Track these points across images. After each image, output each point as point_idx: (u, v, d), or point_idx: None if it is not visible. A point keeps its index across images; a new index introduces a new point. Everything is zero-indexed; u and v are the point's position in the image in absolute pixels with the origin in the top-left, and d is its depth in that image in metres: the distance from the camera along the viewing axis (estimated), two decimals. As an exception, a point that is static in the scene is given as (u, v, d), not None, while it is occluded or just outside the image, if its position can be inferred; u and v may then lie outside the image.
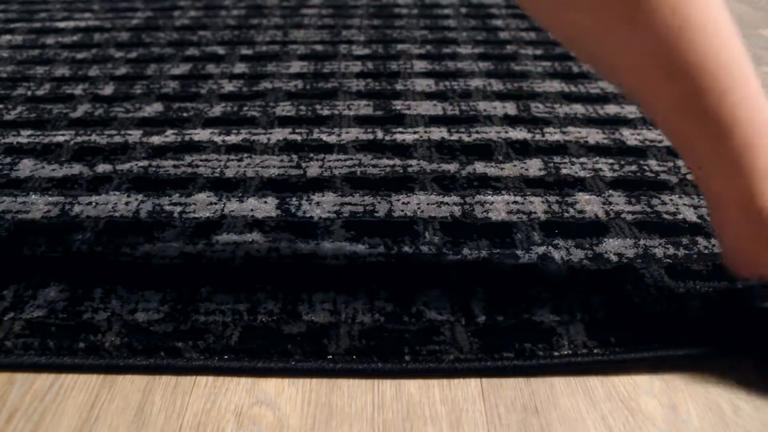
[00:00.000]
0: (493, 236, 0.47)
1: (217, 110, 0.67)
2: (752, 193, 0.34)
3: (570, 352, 0.37)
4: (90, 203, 0.51)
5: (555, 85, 0.73)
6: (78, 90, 0.72)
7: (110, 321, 0.39)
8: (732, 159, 0.33)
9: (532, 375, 0.37)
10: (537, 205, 0.51)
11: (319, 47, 0.84)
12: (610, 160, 0.57)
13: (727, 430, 0.34)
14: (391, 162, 0.57)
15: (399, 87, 0.72)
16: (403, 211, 0.50)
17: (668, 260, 0.45)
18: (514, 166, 0.56)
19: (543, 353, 0.37)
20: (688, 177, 0.55)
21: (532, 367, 0.37)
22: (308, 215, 0.50)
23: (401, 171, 0.55)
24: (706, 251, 0.46)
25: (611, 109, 0.67)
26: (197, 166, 0.56)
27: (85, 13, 1.00)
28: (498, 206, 0.50)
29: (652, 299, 0.41)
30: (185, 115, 0.66)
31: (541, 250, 0.46)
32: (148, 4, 1.04)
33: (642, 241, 0.46)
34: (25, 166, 0.57)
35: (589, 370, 0.37)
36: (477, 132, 0.62)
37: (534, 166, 0.56)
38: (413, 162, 0.57)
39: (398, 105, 0.68)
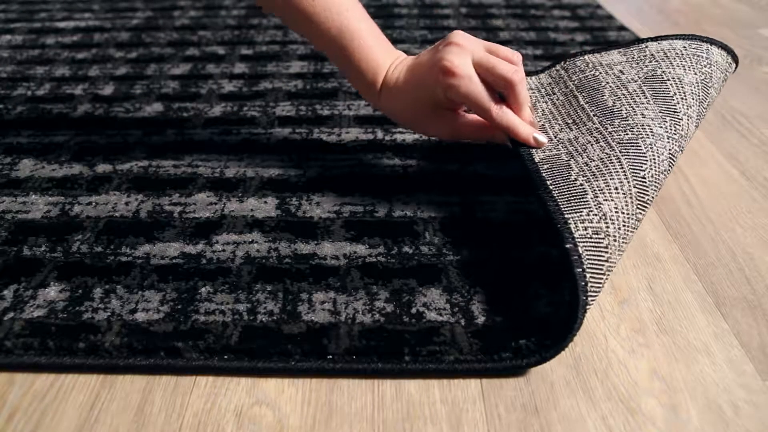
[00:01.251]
0: (493, 236, 0.47)
1: (217, 110, 0.67)
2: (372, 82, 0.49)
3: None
4: (90, 203, 0.51)
5: (555, 85, 0.73)
6: (78, 90, 0.72)
7: (110, 321, 0.39)
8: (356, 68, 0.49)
9: (530, 368, 0.37)
10: (537, 204, 0.51)
11: (319, 47, 0.84)
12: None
13: (727, 430, 0.34)
14: (391, 162, 0.57)
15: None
16: (403, 211, 0.50)
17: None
18: (514, 166, 0.56)
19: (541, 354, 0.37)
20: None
21: (530, 365, 0.37)
22: (308, 215, 0.50)
23: (401, 171, 0.55)
24: (705, 251, 0.46)
25: (611, 109, 0.67)
26: (197, 166, 0.56)
27: (85, 13, 1.00)
28: (498, 206, 0.50)
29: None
30: (185, 115, 0.66)
31: (541, 249, 0.46)
32: (148, 4, 1.04)
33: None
34: (25, 166, 0.57)
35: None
36: (477, 132, 0.62)
37: (534, 166, 0.56)
38: (413, 162, 0.57)
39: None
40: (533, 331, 0.38)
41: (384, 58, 0.49)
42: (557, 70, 0.54)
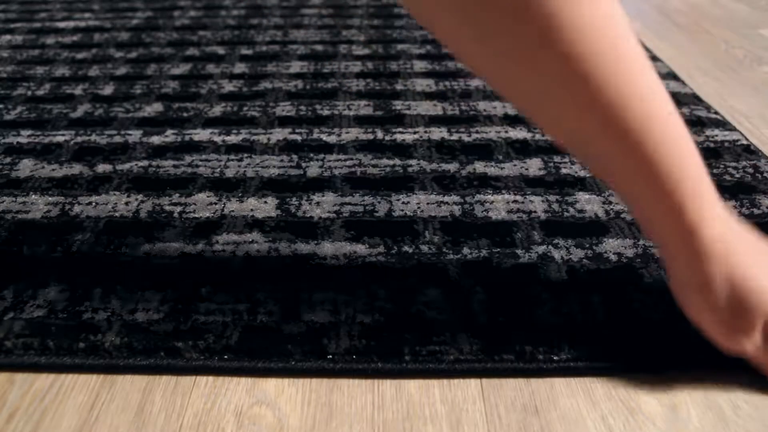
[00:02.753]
0: (493, 235, 0.47)
1: (217, 110, 0.67)
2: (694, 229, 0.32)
3: (570, 356, 0.37)
4: (90, 203, 0.51)
5: (555, 85, 0.73)
6: (78, 90, 0.72)
7: (110, 321, 0.39)
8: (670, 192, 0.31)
9: (532, 376, 0.37)
10: (537, 204, 0.51)
11: (319, 47, 0.84)
12: (610, 160, 0.57)
13: (727, 430, 0.34)
14: (391, 162, 0.57)
15: (399, 87, 0.72)
16: (403, 210, 0.50)
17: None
18: (514, 165, 0.56)
19: (543, 357, 0.37)
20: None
21: (531, 369, 0.37)
22: (308, 215, 0.50)
23: (401, 171, 0.55)
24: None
25: (611, 109, 0.67)
26: (197, 166, 0.56)
27: (85, 13, 1.00)
28: (498, 205, 0.50)
29: (652, 301, 0.41)
30: (185, 115, 0.66)
31: (541, 249, 0.46)
32: (148, 4, 1.04)
33: (641, 241, 0.46)
34: (25, 166, 0.57)
35: (588, 374, 0.37)
36: (477, 132, 0.62)
37: (534, 166, 0.56)
38: (413, 162, 0.57)
39: (398, 105, 0.68)
40: (540, 337, 0.38)
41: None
42: None
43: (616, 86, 0.28)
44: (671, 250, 0.34)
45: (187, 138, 0.61)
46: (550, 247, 0.46)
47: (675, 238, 0.33)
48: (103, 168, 0.56)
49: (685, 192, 0.31)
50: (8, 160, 0.58)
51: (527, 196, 0.52)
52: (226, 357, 0.37)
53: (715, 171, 0.56)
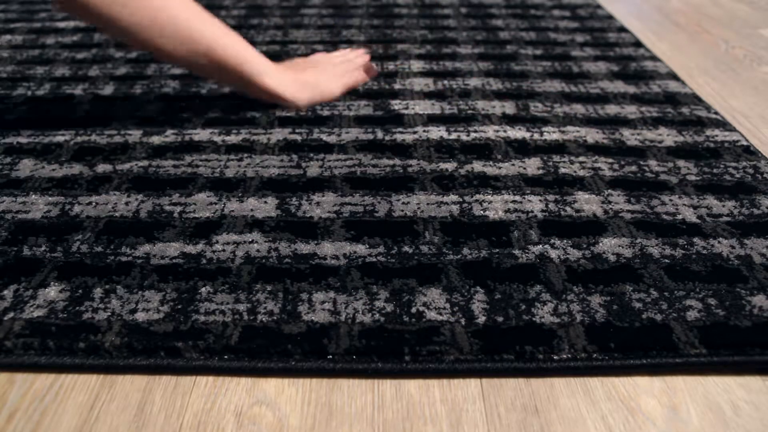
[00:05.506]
0: (490, 235, 0.47)
1: (217, 110, 0.67)
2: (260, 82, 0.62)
3: (570, 356, 0.37)
4: (90, 203, 0.51)
5: (555, 85, 0.73)
6: (78, 90, 0.72)
7: (110, 321, 0.39)
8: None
9: (532, 376, 0.37)
10: (535, 203, 0.51)
11: (319, 47, 0.84)
12: (610, 160, 0.57)
13: (727, 430, 0.34)
14: (390, 162, 0.57)
15: (398, 87, 0.72)
16: (402, 210, 0.50)
17: (666, 260, 0.45)
18: (513, 165, 0.56)
19: (543, 356, 0.37)
20: (688, 177, 0.55)
21: (531, 369, 0.37)
22: (308, 215, 0.50)
23: (401, 171, 0.55)
24: (704, 252, 0.46)
25: (611, 109, 0.67)
26: (197, 166, 0.56)
27: (84, 13, 1.00)
28: (496, 205, 0.50)
29: (651, 301, 0.41)
30: (185, 115, 0.66)
31: (539, 249, 0.46)
32: (147, 4, 1.04)
33: (639, 240, 0.47)
34: (25, 166, 0.57)
35: (588, 374, 0.37)
36: (476, 131, 0.62)
37: (533, 166, 0.56)
38: (413, 162, 0.57)
39: (397, 105, 0.68)
40: (540, 337, 0.38)
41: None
42: None
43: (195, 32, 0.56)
44: (254, 92, 0.64)
45: (187, 138, 0.61)
46: (547, 246, 0.46)
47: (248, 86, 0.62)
48: (103, 168, 0.56)
49: (252, 68, 0.60)
50: (8, 160, 0.58)
51: (526, 196, 0.52)
52: (226, 357, 0.37)
53: (715, 171, 0.56)
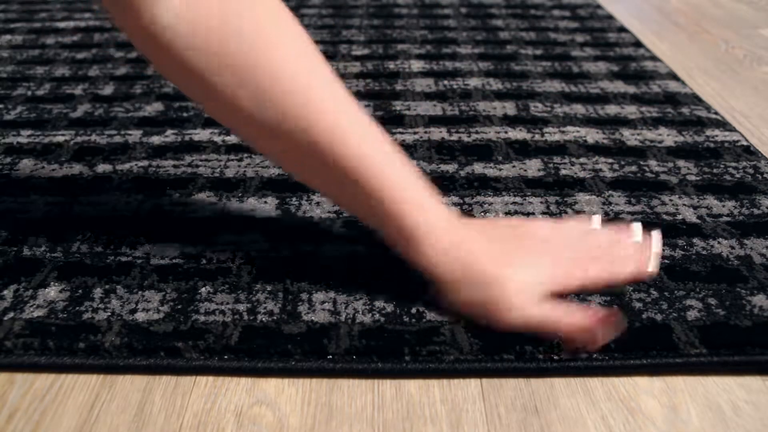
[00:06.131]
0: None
1: (217, 110, 0.67)
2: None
3: (570, 356, 0.37)
4: (90, 203, 0.51)
5: (555, 85, 0.73)
6: (78, 90, 0.72)
7: (110, 321, 0.39)
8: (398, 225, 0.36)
9: (532, 376, 0.37)
10: (536, 205, 0.51)
11: (319, 47, 0.84)
12: (610, 160, 0.57)
13: (727, 430, 0.34)
14: (391, 162, 0.57)
15: (399, 87, 0.72)
16: (403, 211, 0.50)
17: (666, 261, 0.45)
18: (513, 166, 0.56)
19: (543, 356, 0.37)
20: (688, 177, 0.55)
21: (531, 369, 0.37)
22: (308, 215, 0.50)
23: (401, 171, 0.55)
24: (704, 252, 0.46)
25: (611, 109, 0.67)
26: (197, 166, 0.56)
27: (85, 13, 1.00)
28: (496, 206, 0.50)
29: (651, 301, 0.41)
30: (185, 115, 0.66)
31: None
32: (148, 4, 1.04)
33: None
34: (25, 166, 0.57)
35: (587, 374, 0.37)
36: (476, 132, 0.62)
37: (533, 167, 0.56)
38: (413, 162, 0.57)
39: (398, 105, 0.68)
40: (541, 338, 0.38)
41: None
42: None
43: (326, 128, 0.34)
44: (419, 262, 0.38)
45: (187, 138, 0.61)
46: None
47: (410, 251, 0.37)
48: (103, 168, 0.56)
49: (405, 210, 0.36)
50: (8, 160, 0.58)
51: (527, 198, 0.52)
52: (226, 357, 0.37)
53: (715, 171, 0.56)
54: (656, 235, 0.41)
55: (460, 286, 0.37)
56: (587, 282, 0.38)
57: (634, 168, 0.56)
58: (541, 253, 0.38)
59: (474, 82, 0.73)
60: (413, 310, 0.40)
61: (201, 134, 0.62)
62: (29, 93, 0.72)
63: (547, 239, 0.39)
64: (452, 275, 0.37)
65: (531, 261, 0.38)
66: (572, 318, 0.36)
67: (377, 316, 0.40)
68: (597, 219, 0.42)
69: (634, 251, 0.41)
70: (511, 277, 0.36)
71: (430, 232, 0.36)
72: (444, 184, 0.53)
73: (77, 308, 0.40)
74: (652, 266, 0.40)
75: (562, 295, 0.39)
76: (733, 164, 0.57)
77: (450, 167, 0.56)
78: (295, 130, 0.33)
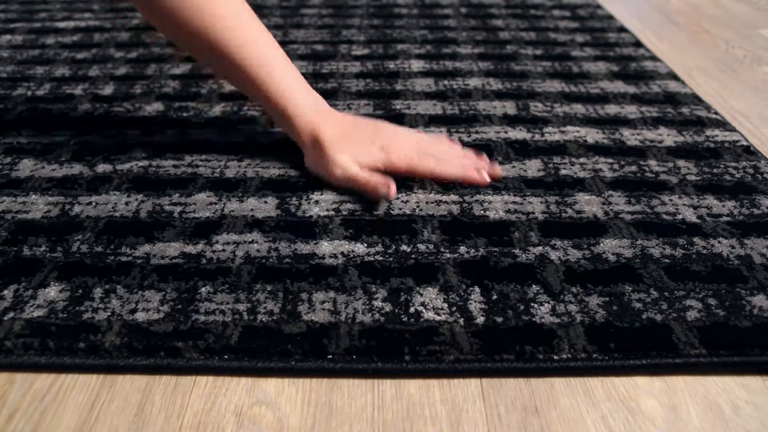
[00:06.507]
0: (490, 235, 0.47)
1: (217, 110, 0.67)
2: (301, 131, 0.53)
3: (570, 356, 0.37)
4: (90, 203, 0.51)
5: (555, 85, 0.73)
6: (78, 90, 0.72)
7: (110, 321, 0.39)
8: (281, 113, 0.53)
9: (532, 376, 0.37)
10: (536, 205, 0.51)
11: (319, 47, 0.84)
12: (610, 160, 0.57)
13: (727, 430, 0.34)
14: (390, 162, 0.57)
15: (399, 87, 0.72)
16: (401, 209, 0.50)
17: (666, 260, 0.45)
18: (513, 166, 0.56)
19: (543, 356, 0.37)
20: (688, 177, 0.55)
21: (531, 369, 0.37)
22: (308, 215, 0.50)
23: (401, 171, 0.55)
24: (704, 252, 0.46)
25: (611, 109, 0.67)
26: (197, 166, 0.56)
27: (85, 13, 1.00)
28: (496, 205, 0.50)
29: (651, 301, 0.41)
30: (185, 115, 0.66)
31: (539, 250, 0.46)
32: (147, 4, 1.04)
33: (639, 241, 0.47)
34: (25, 166, 0.57)
35: (587, 374, 0.37)
36: (476, 132, 0.62)
37: (533, 167, 0.56)
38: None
39: (398, 105, 0.68)
40: (540, 337, 0.38)
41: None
42: None
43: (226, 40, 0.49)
44: (290, 130, 0.55)
45: (187, 138, 0.61)
46: (547, 248, 0.46)
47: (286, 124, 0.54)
48: (103, 168, 0.56)
49: (284, 99, 0.52)
50: (8, 160, 0.58)
51: (526, 198, 0.52)
52: (226, 357, 0.37)
53: (715, 171, 0.56)
54: (489, 161, 0.55)
55: (312, 153, 0.53)
56: (416, 169, 0.52)
57: (634, 168, 0.56)
58: (373, 142, 0.53)
59: (474, 82, 0.73)
60: (411, 310, 0.40)
61: (201, 134, 0.62)
62: (29, 93, 0.71)
63: (386, 136, 0.54)
64: (308, 146, 0.53)
65: (360, 145, 0.53)
66: (370, 180, 0.50)
67: (377, 315, 0.40)
68: (456, 141, 0.58)
69: (466, 161, 0.54)
70: (342, 150, 0.52)
71: (299, 116, 0.53)
72: (444, 182, 0.53)
73: (77, 308, 0.40)
74: (482, 177, 0.52)
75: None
76: (733, 164, 0.57)
77: (450, 167, 0.56)
78: (217, 43, 0.49)
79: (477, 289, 0.42)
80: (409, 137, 0.54)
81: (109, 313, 0.40)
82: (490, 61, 0.79)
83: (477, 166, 0.53)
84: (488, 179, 0.52)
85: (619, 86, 0.73)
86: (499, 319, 0.39)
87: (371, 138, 0.53)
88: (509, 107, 0.67)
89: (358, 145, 0.52)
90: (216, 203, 0.51)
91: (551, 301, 0.41)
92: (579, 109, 0.67)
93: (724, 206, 0.51)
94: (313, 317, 0.40)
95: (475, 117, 0.65)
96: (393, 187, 0.49)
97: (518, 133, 0.62)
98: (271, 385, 0.37)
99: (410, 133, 0.55)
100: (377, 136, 0.53)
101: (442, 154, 0.53)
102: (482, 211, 0.50)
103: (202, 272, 0.44)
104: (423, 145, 0.54)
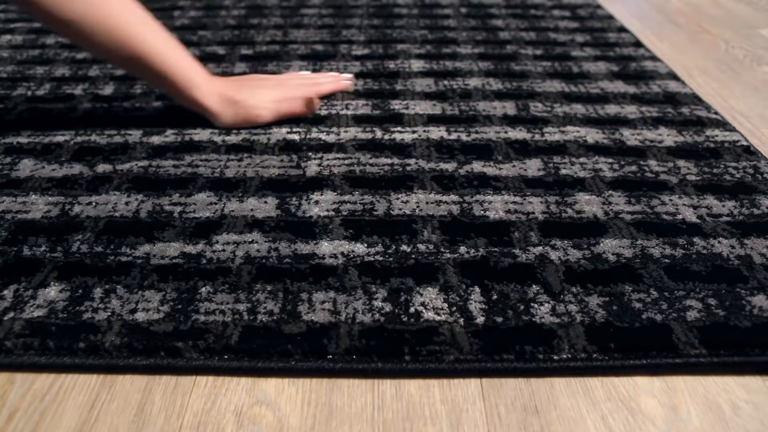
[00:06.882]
0: (490, 235, 0.47)
1: (216, 110, 0.67)
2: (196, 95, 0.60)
3: (570, 356, 0.37)
4: (90, 203, 0.51)
5: (555, 85, 0.73)
6: (78, 90, 0.72)
7: (110, 321, 0.39)
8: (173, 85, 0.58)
9: (532, 376, 0.37)
10: (536, 204, 0.51)
11: (319, 47, 0.84)
12: (610, 160, 0.57)
13: (727, 430, 0.34)
14: (389, 161, 0.57)
15: (398, 87, 0.72)
16: (401, 209, 0.50)
17: (666, 260, 0.45)
18: (513, 166, 0.56)
19: (543, 356, 0.37)
20: (688, 177, 0.55)
21: (531, 369, 0.37)
22: (308, 215, 0.50)
23: (400, 170, 0.55)
24: (704, 252, 0.46)
25: (611, 109, 0.67)
26: (197, 166, 0.56)
27: (84, 12, 1.00)
28: (496, 205, 0.50)
29: (651, 301, 0.41)
30: (185, 115, 0.66)
31: (539, 250, 0.46)
32: (148, 4, 1.04)
33: (639, 241, 0.47)
34: (25, 166, 0.57)
35: (587, 374, 0.37)
36: (476, 132, 0.62)
37: (533, 167, 0.56)
38: (411, 161, 0.57)
39: (397, 104, 0.68)
40: (541, 338, 0.38)
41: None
42: None
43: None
44: (190, 104, 0.61)
45: (187, 138, 0.61)
46: (547, 248, 0.46)
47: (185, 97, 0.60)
48: (103, 168, 0.56)
49: (184, 72, 0.58)
50: (8, 160, 0.58)
51: (526, 197, 0.52)
52: (226, 357, 0.37)
53: (715, 171, 0.56)
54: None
55: (224, 110, 0.61)
56: (283, 109, 0.64)
57: (634, 168, 0.56)
58: (264, 86, 0.64)
59: (474, 82, 0.73)
60: (411, 310, 0.40)
61: (201, 134, 0.62)
62: (29, 93, 0.71)
63: (267, 80, 0.66)
64: (218, 106, 0.61)
65: (259, 88, 0.64)
66: (293, 103, 0.64)
67: (377, 315, 0.40)
68: (304, 72, 0.73)
69: (312, 84, 0.67)
70: (252, 96, 0.62)
71: (199, 85, 0.59)
72: (443, 182, 0.53)
73: (77, 308, 0.40)
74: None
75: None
76: (733, 164, 0.57)
77: (449, 165, 0.56)
78: (115, 42, 0.53)
79: (477, 289, 0.42)
80: (273, 80, 0.67)
81: (109, 313, 0.40)
82: (490, 61, 0.79)
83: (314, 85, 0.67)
84: (316, 106, 0.65)
85: (619, 86, 0.73)
86: (499, 319, 0.39)
87: (258, 84, 0.65)
88: (509, 107, 0.67)
89: (257, 89, 0.63)
90: (216, 203, 0.51)
91: (551, 301, 0.41)
92: (579, 109, 0.67)
93: (724, 206, 0.51)
94: (313, 317, 0.40)
95: (475, 117, 0.65)
96: (316, 99, 0.64)
97: (518, 133, 0.62)
98: (271, 385, 0.37)
99: (265, 79, 0.67)
100: (257, 83, 0.65)
101: (296, 84, 0.67)
102: (482, 211, 0.50)
103: (202, 272, 0.44)
104: (284, 81, 0.67)
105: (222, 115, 0.61)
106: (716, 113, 0.66)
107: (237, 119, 0.62)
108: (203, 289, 0.42)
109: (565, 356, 0.37)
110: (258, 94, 0.62)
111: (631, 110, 0.67)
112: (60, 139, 0.61)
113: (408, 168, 0.56)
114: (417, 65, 0.78)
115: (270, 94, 0.63)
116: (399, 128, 0.63)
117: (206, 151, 0.59)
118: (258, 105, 0.62)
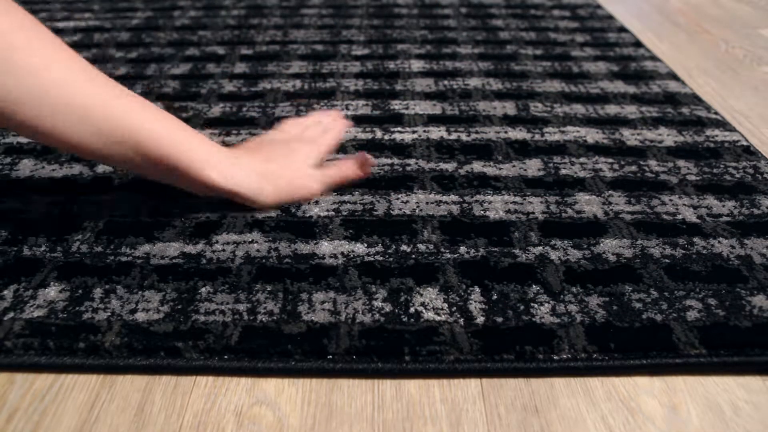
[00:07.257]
0: (490, 235, 0.47)
1: (216, 110, 0.67)
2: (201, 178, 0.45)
3: (570, 356, 0.37)
4: (90, 203, 0.51)
5: (555, 85, 0.73)
6: (78, 90, 0.72)
7: (110, 321, 0.39)
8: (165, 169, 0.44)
9: (532, 376, 0.37)
10: (536, 204, 0.51)
11: (319, 47, 0.84)
12: (610, 160, 0.57)
13: (727, 430, 0.34)
14: (389, 161, 0.57)
15: (398, 87, 0.72)
16: (401, 209, 0.50)
17: (666, 260, 0.45)
18: (513, 166, 0.56)
19: (543, 356, 0.37)
20: (688, 177, 0.55)
21: (531, 369, 0.37)
22: (308, 215, 0.50)
23: (400, 170, 0.55)
24: (704, 252, 0.46)
25: (611, 109, 0.67)
26: (197, 166, 0.56)
27: (85, 13, 1.00)
28: (496, 205, 0.50)
29: (651, 301, 0.41)
30: (185, 115, 0.66)
31: (539, 250, 0.46)
32: (148, 4, 1.04)
33: (639, 241, 0.47)
34: (25, 166, 0.57)
35: (587, 374, 0.37)
36: (476, 132, 0.62)
37: (533, 167, 0.56)
38: (411, 161, 0.57)
39: (397, 105, 0.68)
40: (541, 338, 0.38)
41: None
42: None
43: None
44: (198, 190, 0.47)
45: (187, 138, 0.61)
46: (547, 248, 0.46)
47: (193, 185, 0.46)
48: (103, 168, 0.56)
49: (182, 158, 0.43)
50: (8, 160, 0.58)
51: (527, 197, 0.52)
52: (226, 357, 0.37)
53: (715, 171, 0.56)
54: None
55: (263, 187, 0.48)
56: (319, 149, 0.53)
57: (634, 168, 0.56)
58: (287, 145, 0.52)
59: (474, 82, 0.73)
60: (411, 310, 0.40)
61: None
62: (29, 93, 0.71)
63: (281, 139, 0.54)
64: (252, 183, 0.47)
65: (291, 155, 0.51)
66: (344, 167, 0.52)
67: (377, 316, 0.40)
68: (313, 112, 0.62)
69: (323, 134, 0.56)
70: (293, 161, 0.50)
71: (216, 163, 0.45)
72: (443, 182, 0.53)
73: (77, 308, 0.40)
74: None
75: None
76: (733, 164, 0.57)
77: (449, 165, 0.56)
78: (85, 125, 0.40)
79: (477, 289, 0.42)
80: (285, 136, 0.55)
81: (109, 313, 0.40)
82: (490, 61, 0.79)
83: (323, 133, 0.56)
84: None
85: (619, 86, 0.73)
86: (499, 319, 0.39)
87: (282, 147, 0.52)
88: (509, 107, 0.67)
89: (291, 155, 0.51)
90: (216, 203, 0.51)
91: (551, 301, 0.41)
92: (579, 109, 0.67)
93: (724, 206, 0.51)
94: (313, 317, 0.40)
95: (475, 117, 0.65)
96: (367, 155, 0.52)
97: (518, 133, 0.62)
98: (271, 385, 0.37)
99: (278, 142, 0.54)
100: (279, 146, 0.52)
101: (309, 135, 0.56)
102: (482, 211, 0.50)
103: (202, 272, 0.44)
104: (298, 136, 0.55)
105: (260, 195, 0.48)
106: (716, 113, 0.66)
107: (281, 197, 0.49)
108: (203, 289, 0.42)
109: (565, 356, 0.37)
110: (297, 161, 0.50)
111: (631, 110, 0.67)
112: (60, 139, 0.61)
113: (408, 168, 0.56)
114: (417, 65, 0.78)
115: (308, 152, 0.52)
116: (399, 128, 0.63)
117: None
118: (305, 176, 0.50)
